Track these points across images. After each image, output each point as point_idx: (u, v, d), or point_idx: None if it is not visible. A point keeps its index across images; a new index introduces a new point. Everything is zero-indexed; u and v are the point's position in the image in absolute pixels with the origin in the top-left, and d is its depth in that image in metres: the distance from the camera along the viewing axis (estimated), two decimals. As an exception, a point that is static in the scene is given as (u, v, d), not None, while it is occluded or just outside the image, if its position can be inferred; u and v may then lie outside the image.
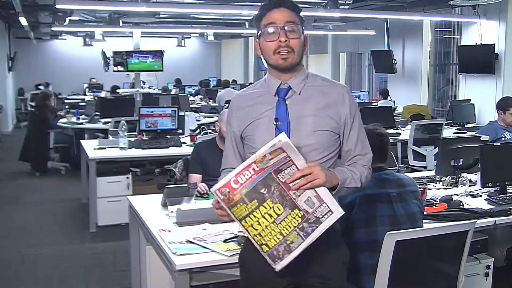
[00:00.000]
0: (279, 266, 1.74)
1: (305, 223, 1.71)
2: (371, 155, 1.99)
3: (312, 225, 1.71)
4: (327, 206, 1.73)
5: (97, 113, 7.80)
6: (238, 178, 1.70)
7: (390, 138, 2.73)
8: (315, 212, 1.72)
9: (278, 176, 1.71)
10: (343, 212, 1.75)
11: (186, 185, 3.29)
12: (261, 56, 1.94)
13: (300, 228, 1.71)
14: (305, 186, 1.71)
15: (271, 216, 1.71)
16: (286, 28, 1.85)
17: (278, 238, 1.72)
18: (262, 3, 1.93)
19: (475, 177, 3.70)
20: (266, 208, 1.71)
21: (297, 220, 1.71)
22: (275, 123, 1.88)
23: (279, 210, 1.71)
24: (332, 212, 1.73)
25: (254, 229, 1.72)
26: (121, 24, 9.90)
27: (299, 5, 1.95)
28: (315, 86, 1.94)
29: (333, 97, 1.93)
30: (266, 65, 1.96)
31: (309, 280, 1.91)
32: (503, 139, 4.86)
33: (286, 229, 1.71)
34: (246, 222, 1.73)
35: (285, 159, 1.72)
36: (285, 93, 1.92)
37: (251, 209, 1.71)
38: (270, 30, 1.86)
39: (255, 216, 1.71)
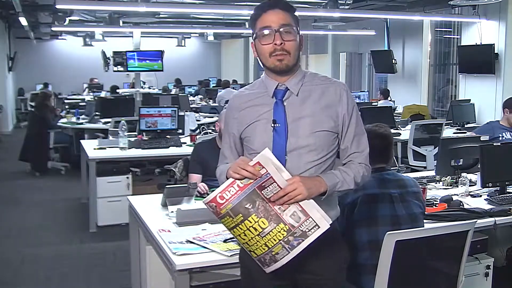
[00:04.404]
0: (268, 269, 1.80)
1: (291, 236, 1.74)
2: (367, 151, 1.97)
3: (298, 239, 1.75)
4: (313, 220, 1.75)
5: (97, 113, 7.80)
6: (223, 194, 1.75)
7: (390, 138, 2.71)
8: (301, 226, 1.75)
9: (263, 192, 1.75)
10: (329, 226, 1.76)
11: (186, 185, 3.29)
12: (258, 58, 1.93)
13: (285, 241, 1.74)
14: (288, 202, 1.74)
15: (255, 229, 1.74)
16: (281, 30, 1.84)
17: (264, 249, 1.76)
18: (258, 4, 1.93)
19: (475, 177, 3.70)
20: (251, 222, 1.74)
21: (283, 234, 1.74)
22: (272, 125, 1.87)
23: (264, 224, 1.74)
24: (319, 227, 1.75)
25: (242, 238, 1.78)
26: (121, 24, 9.90)
27: (299, 5, 1.95)
28: (313, 86, 1.93)
29: (331, 96, 1.92)
30: (263, 67, 1.96)
31: (307, 278, 1.92)
32: (500, 138, 4.81)
33: (271, 242, 1.75)
34: (234, 232, 1.79)
35: (266, 176, 1.74)
36: (283, 94, 1.90)
37: (237, 222, 1.76)
38: (265, 32, 1.85)
39: (241, 229, 1.76)
